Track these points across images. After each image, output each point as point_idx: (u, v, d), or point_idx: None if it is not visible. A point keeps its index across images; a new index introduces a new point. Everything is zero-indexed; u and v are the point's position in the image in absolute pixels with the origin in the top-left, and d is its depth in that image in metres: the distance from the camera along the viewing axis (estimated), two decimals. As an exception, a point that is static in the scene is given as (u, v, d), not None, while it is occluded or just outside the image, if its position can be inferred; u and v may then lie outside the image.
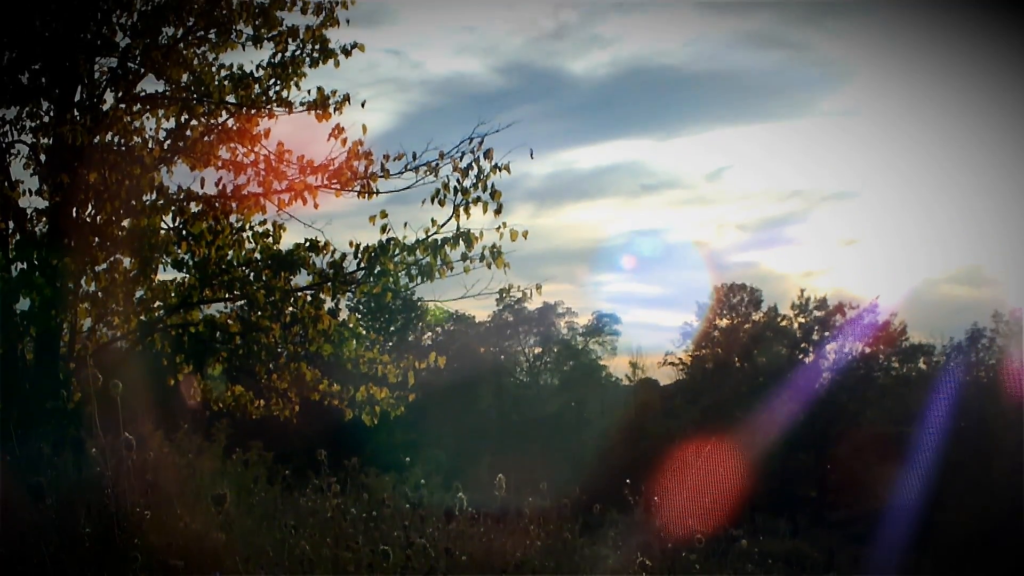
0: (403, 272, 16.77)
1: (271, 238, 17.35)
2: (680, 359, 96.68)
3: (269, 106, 17.16)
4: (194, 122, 17.10)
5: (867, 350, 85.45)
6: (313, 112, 17.19)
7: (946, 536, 47.39)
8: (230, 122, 17.21)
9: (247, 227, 17.26)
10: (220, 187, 16.97)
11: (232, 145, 17.19)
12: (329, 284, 17.04)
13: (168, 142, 17.07)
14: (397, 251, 16.60)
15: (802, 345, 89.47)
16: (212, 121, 17.18)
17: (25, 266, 15.74)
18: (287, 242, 17.39)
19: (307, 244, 17.09)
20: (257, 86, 17.18)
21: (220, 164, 17.17)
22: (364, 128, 17.00)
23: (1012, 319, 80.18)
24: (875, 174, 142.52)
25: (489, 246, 16.35)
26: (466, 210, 16.46)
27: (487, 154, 16.49)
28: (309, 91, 17.20)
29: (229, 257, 17.15)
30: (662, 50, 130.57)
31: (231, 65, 17.34)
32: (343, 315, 18.07)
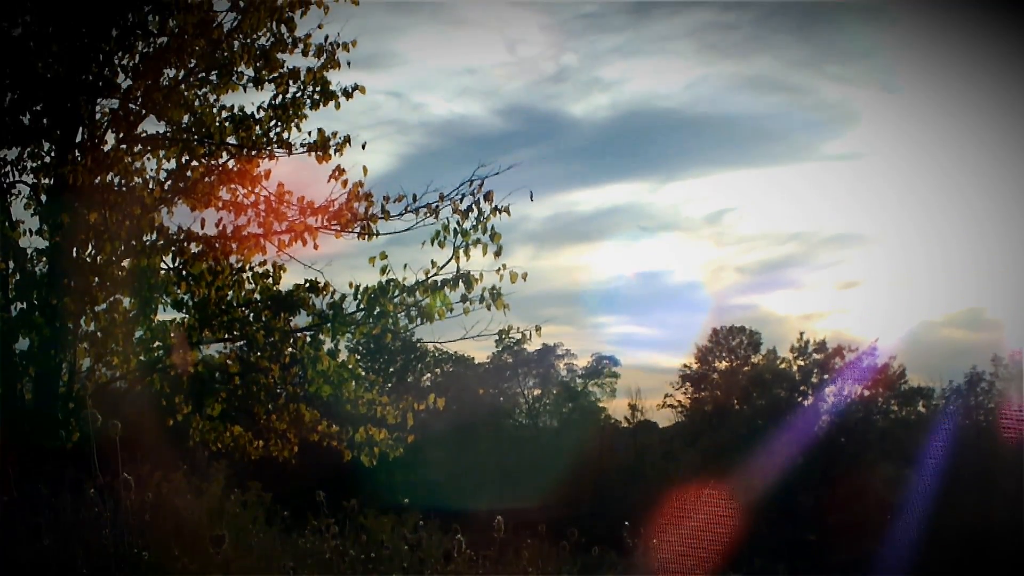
0: (403, 313, 16.81)
1: (271, 279, 17.38)
2: (679, 401, 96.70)
3: (270, 147, 17.22)
4: (195, 163, 17.14)
5: (866, 393, 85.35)
6: (313, 154, 17.24)
7: (946, 580, 47.27)
8: (231, 163, 17.27)
9: (247, 268, 17.29)
10: (220, 228, 17.00)
11: (232, 186, 17.22)
12: (328, 325, 17.06)
13: (169, 183, 17.11)
14: (397, 292, 16.64)
15: (801, 388, 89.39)
16: (213, 162, 17.23)
17: (25, 306, 15.76)
18: (287, 283, 17.46)
19: (307, 285, 17.14)
20: (258, 127, 17.24)
21: (220, 205, 17.19)
22: (365, 170, 17.07)
23: (1012, 362, 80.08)
24: (875, 217, 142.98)
25: (489, 288, 16.40)
26: (466, 252, 16.52)
27: (487, 196, 16.56)
28: (310, 133, 17.28)
29: (229, 298, 17.16)
30: (662, 93, 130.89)
31: (232, 106, 17.43)
32: (342, 356, 18.05)
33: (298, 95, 17.40)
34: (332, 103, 17.46)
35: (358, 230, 17.21)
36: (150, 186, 16.72)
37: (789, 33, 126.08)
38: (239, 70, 17.28)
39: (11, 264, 16.09)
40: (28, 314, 15.57)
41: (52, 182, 16.45)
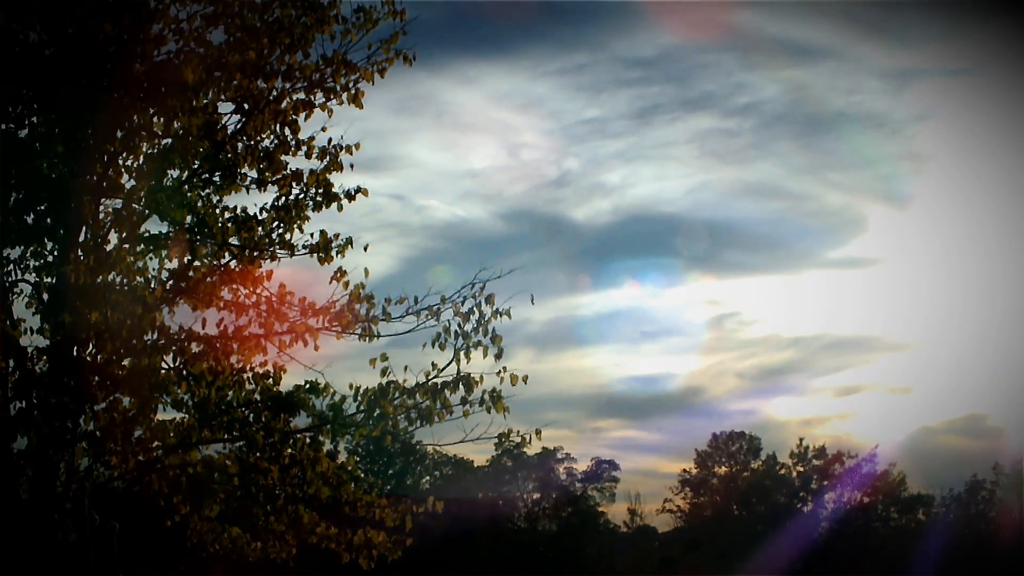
0: (402, 415, 16.73)
1: (271, 379, 17.35)
2: (679, 506, 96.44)
3: (272, 249, 17.26)
4: (197, 263, 17.16)
5: (866, 500, 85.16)
6: (315, 255, 17.28)
7: None
8: (233, 264, 17.29)
9: (247, 368, 17.25)
10: (221, 328, 16.99)
11: (234, 286, 17.23)
12: (328, 426, 17.00)
13: (170, 282, 17.08)
14: (397, 394, 16.59)
15: (801, 494, 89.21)
16: (215, 262, 17.26)
17: (24, 405, 15.70)
18: (287, 383, 17.42)
19: (307, 386, 17.09)
20: (260, 229, 17.29)
21: (222, 305, 17.20)
22: (366, 271, 17.12)
23: (1012, 470, 79.88)
24: (875, 323, 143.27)
25: (489, 390, 16.35)
26: (467, 354, 16.49)
27: (488, 299, 16.57)
28: (312, 234, 17.33)
29: (229, 398, 17.11)
30: (664, 198, 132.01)
31: (235, 207, 17.50)
32: (341, 458, 18.06)
33: (301, 197, 17.47)
34: (335, 205, 17.53)
35: (359, 332, 17.22)
36: (152, 286, 16.69)
37: (790, 140, 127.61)
38: (243, 171, 17.38)
39: (11, 363, 16.06)
40: (27, 413, 15.52)
41: (54, 281, 16.46)
